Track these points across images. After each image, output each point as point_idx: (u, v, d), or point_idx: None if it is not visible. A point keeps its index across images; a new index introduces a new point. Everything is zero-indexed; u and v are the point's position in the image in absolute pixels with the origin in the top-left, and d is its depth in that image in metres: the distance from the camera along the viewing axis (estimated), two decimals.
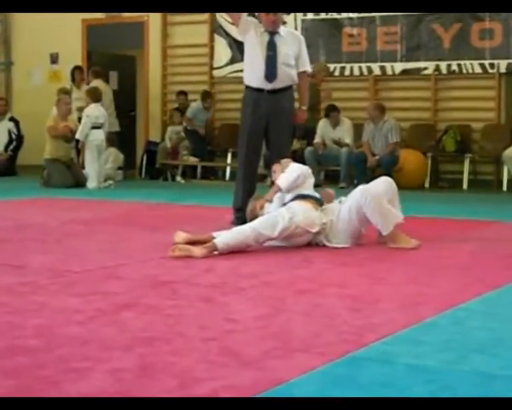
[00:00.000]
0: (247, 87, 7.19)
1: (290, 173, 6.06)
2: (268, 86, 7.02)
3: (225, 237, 5.54)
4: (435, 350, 3.20)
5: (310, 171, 6.23)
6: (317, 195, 6.07)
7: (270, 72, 6.99)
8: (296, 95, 7.37)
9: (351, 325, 3.58)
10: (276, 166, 6.35)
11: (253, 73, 7.12)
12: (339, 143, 12.08)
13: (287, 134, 7.17)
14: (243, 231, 5.61)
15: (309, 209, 5.87)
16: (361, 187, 5.96)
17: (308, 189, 6.07)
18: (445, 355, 3.13)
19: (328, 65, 13.01)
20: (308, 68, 7.39)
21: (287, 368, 2.93)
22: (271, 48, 7.01)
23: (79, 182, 11.58)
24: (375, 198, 5.79)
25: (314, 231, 5.84)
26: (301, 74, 7.23)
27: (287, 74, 7.06)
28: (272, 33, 7.05)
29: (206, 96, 13.59)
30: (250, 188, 7.00)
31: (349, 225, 5.87)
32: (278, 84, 7.02)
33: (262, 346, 3.22)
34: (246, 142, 7.14)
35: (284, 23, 7.44)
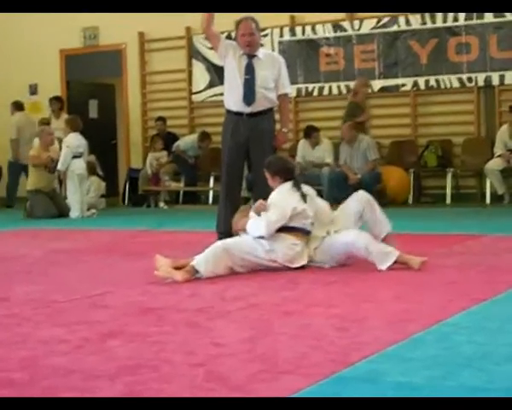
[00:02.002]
0: (228, 111, 7.20)
1: (255, 228, 5.72)
2: (247, 110, 7.03)
3: (199, 257, 5.52)
4: (422, 367, 3.20)
5: (297, 211, 5.78)
6: (307, 227, 5.83)
7: (249, 95, 6.99)
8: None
9: (337, 345, 3.58)
10: (266, 173, 6.15)
11: (232, 96, 7.12)
12: (319, 165, 12.08)
13: (268, 155, 7.15)
14: (213, 247, 5.60)
15: (292, 245, 5.74)
16: (354, 232, 5.78)
17: (298, 221, 5.80)
18: (433, 371, 3.12)
19: (306, 85, 13.06)
20: (288, 91, 7.39)
21: (273, 391, 2.91)
22: (249, 71, 7.02)
23: (63, 212, 11.53)
24: (368, 243, 5.65)
25: (294, 266, 5.74)
26: (281, 97, 7.22)
27: (265, 97, 7.06)
28: (251, 56, 7.06)
29: (205, 137, 13.42)
30: (233, 211, 6.98)
31: (332, 259, 5.85)
32: (257, 107, 7.03)
33: (249, 369, 3.21)
34: (227, 166, 7.14)
35: (261, 45, 7.45)
